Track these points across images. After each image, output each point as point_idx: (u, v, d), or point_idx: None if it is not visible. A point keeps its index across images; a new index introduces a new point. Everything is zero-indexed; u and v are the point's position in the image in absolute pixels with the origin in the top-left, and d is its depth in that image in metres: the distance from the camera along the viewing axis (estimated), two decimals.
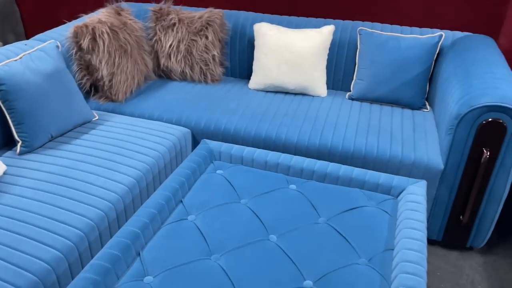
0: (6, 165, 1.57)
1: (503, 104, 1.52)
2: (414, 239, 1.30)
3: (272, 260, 1.27)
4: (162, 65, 2.29)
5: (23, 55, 1.69)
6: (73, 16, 2.97)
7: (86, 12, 2.87)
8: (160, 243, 1.32)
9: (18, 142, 1.64)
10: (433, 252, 1.87)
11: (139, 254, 1.29)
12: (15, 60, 1.66)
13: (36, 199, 1.39)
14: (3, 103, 1.59)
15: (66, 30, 2.06)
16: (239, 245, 1.32)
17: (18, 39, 2.94)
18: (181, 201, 1.51)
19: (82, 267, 1.32)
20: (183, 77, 2.32)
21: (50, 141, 1.72)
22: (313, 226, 1.40)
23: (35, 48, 1.76)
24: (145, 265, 1.24)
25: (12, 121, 1.61)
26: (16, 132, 1.63)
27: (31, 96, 1.62)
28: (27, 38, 3.07)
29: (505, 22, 2.13)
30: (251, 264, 1.25)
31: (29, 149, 1.65)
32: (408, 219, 1.38)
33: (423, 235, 1.32)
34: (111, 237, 1.45)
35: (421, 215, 1.40)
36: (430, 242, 1.91)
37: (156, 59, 2.30)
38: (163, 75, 2.35)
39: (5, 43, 2.86)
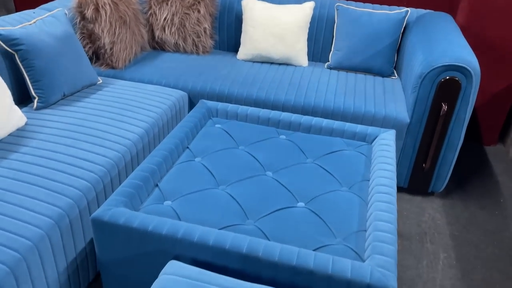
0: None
1: (458, 64, 1.82)
2: (385, 170, 1.57)
3: (270, 189, 1.51)
4: (156, 37, 2.48)
5: (37, 20, 1.86)
6: None
7: None
8: (174, 177, 1.54)
9: (35, 98, 1.80)
10: (400, 198, 2.16)
11: (157, 185, 1.50)
12: (30, 24, 1.82)
13: (60, 143, 1.57)
14: (21, 61, 1.75)
15: (69, 1, 2.22)
16: (241, 178, 1.55)
17: (8, 13, 3.04)
18: (188, 147, 1.73)
19: (106, 198, 1.52)
20: (176, 49, 2.51)
21: (62, 98, 1.90)
22: (302, 165, 1.65)
23: (46, 15, 1.92)
24: (163, 192, 1.46)
25: (30, 79, 1.78)
26: (33, 89, 1.79)
27: (47, 56, 1.79)
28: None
29: (461, 1, 2.45)
30: (253, 192, 1.48)
31: (44, 104, 1.81)
32: (381, 157, 1.66)
33: (392, 167, 1.59)
34: (127, 176, 1.65)
35: (391, 154, 1.67)
36: (398, 189, 2.21)
37: (151, 31, 2.49)
38: (157, 46, 2.54)
39: None
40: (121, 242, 1.30)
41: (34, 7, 3.18)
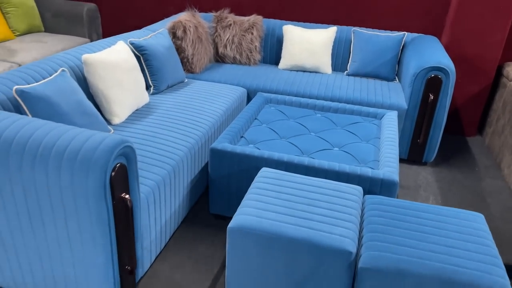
0: None
1: (440, 65, 2.66)
2: (390, 131, 2.37)
3: (315, 141, 2.31)
4: (220, 53, 3.36)
5: (151, 36, 2.73)
6: (138, 24, 4.03)
7: (150, 20, 3.94)
8: (252, 133, 2.35)
9: (151, 86, 2.65)
10: (401, 166, 2.94)
11: (242, 137, 2.31)
12: (148, 38, 2.69)
13: (176, 112, 2.40)
14: (145, 61, 2.61)
15: (163, 24, 3.11)
16: (295, 135, 2.36)
17: (98, 37, 3.95)
18: (256, 118, 2.55)
19: (210, 143, 2.33)
20: (234, 61, 3.39)
21: (166, 88, 2.74)
22: (334, 129, 2.46)
23: (156, 32, 2.80)
24: (248, 140, 2.27)
25: (149, 73, 2.63)
26: (151, 80, 2.64)
27: (159, 59, 2.65)
28: (103, 37, 4.08)
29: (445, 28, 3.32)
30: (304, 142, 2.29)
31: (157, 91, 2.66)
32: (387, 125, 2.47)
33: (395, 130, 2.40)
34: (219, 134, 2.47)
35: (394, 124, 2.48)
36: (399, 160, 3.00)
37: (216, 48, 3.37)
38: (220, 59, 3.41)
39: (91, 40, 3.86)
40: (227, 163, 2.10)
41: (117, 31, 4.10)
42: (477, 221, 1.69)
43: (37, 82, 1.97)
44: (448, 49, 3.27)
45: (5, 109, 1.78)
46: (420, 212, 1.70)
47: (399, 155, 2.96)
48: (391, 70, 3.19)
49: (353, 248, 1.49)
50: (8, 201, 1.48)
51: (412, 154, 2.92)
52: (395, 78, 3.23)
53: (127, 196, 1.49)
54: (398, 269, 1.43)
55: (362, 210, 1.76)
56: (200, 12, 3.81)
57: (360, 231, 1.65)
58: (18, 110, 1.82)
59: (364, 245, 1.53)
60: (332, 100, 2.91)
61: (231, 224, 1.58)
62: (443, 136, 3.47)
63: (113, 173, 1.42)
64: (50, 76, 2.04)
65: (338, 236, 1.52)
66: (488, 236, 1.59)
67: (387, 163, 2.03)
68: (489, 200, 2.61)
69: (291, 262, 1.54)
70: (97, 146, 1.39)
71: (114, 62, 2.21)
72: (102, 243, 1.46)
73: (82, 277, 1.55)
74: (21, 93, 1.73)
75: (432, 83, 2.71)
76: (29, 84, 1.94)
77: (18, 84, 1.89)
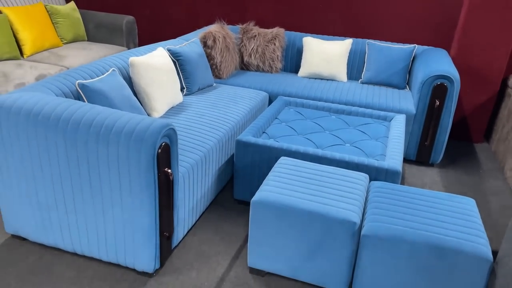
0: None
1: (445, 74, 2.92)
2: (398, 131, 2.64)
3: (329, 137, 2.60)
4: (245, 61, 3.70)
5: (186, 44, 3.08)
6: (170, 34, 4.41)
7: (180, 32, 4.32)
8: (273, 129, 2.65)
9: (184, 88, 2.99)
10: (410, 167, 3.19)
11: (264, 132, 2.62)
12: (183, 45, 3.05)
13: (206, 109, 2.73)
14: (179, 66, 2.96)
15: (195, 35, 3.47)
16: (311, 132, 2.65)
17: (135, 46, 4.35)
18: (276, 117, 2.86)
19: (235, 137, 2.64)
20: (257, 69, 3.71)
21: (197, 90, 3.08)
22: (347, 129, 2.74)
23: (189, 41, 3.16)
24: (269, 135, 2.57)
25: (183, 76, 2.98)
26: (184, 83, 2.99)
27: (192, 64, 2.99)
28: (139, 46, 4.47)
29: (453, 41, 3.57)
30: (319, 138, 2.57)
31: (189, 92, 3.00)
32: (395, 126, 2.73)
33: (402, 130, 2.66)
34: (243, 131, 2.78)
35: (402, 125, 2.74)
36: (408, 161, 3.24)
37: (241, 57, 3.71)
38: (244, 67, 3.74)
39: (128, 49, 4.25)
40: (250, 153, 2.40)
41: (151, 41, 4.50)
42: (468, 203, 1.93)
43: (92, 79, 2.33)
44: (456, 61, 3.52)
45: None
46: (418, 195, 1.96)
47: (408, 156, 3.21)
48: (402, 79, 3.46)
49: (357, 219, 1.76)
50: (74, 172, 1.82)
51: (419, 156, 3.16)
52: (405, 86, 3.49)
53: (169, 170, 1.80)
54: (395, 237, 1.69)
55: (367, 193, 2.03)
56: (228, 24, 4.18)
57: (365, 208, 1.91)
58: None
59: (367, 218, 1.80)
60: (346, 104, 3.19)
61: (254, 198, 1.87)
62: (451, 141, 3.70)
63: (159, 150, 1.74)
64: (103, 74, 2.40)
65: (345, 209, 1.79)
66: (476, 215, 1.84)
67: (392, 156, 2.29)
68: (490, 198, 2.83)
69: (304, 231, 1.82)
70: (147, 127, 1.72)
71: (155, 65, 2.56)
72: (148, 207, 1.77)
73: (129, 237, 1.86)
74: (82, 86, 2.08)
75: (438, 90, 2.96)
76: (86, 80, 2.29)
77: (78, 80, 2.25)
